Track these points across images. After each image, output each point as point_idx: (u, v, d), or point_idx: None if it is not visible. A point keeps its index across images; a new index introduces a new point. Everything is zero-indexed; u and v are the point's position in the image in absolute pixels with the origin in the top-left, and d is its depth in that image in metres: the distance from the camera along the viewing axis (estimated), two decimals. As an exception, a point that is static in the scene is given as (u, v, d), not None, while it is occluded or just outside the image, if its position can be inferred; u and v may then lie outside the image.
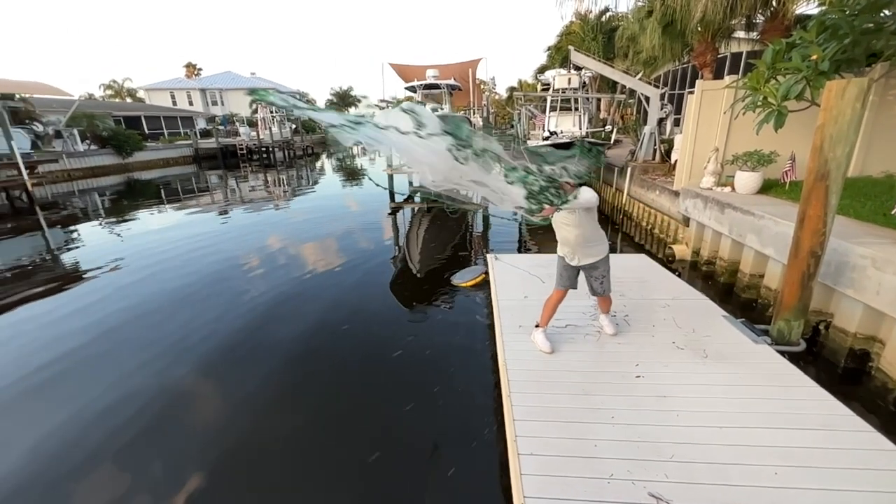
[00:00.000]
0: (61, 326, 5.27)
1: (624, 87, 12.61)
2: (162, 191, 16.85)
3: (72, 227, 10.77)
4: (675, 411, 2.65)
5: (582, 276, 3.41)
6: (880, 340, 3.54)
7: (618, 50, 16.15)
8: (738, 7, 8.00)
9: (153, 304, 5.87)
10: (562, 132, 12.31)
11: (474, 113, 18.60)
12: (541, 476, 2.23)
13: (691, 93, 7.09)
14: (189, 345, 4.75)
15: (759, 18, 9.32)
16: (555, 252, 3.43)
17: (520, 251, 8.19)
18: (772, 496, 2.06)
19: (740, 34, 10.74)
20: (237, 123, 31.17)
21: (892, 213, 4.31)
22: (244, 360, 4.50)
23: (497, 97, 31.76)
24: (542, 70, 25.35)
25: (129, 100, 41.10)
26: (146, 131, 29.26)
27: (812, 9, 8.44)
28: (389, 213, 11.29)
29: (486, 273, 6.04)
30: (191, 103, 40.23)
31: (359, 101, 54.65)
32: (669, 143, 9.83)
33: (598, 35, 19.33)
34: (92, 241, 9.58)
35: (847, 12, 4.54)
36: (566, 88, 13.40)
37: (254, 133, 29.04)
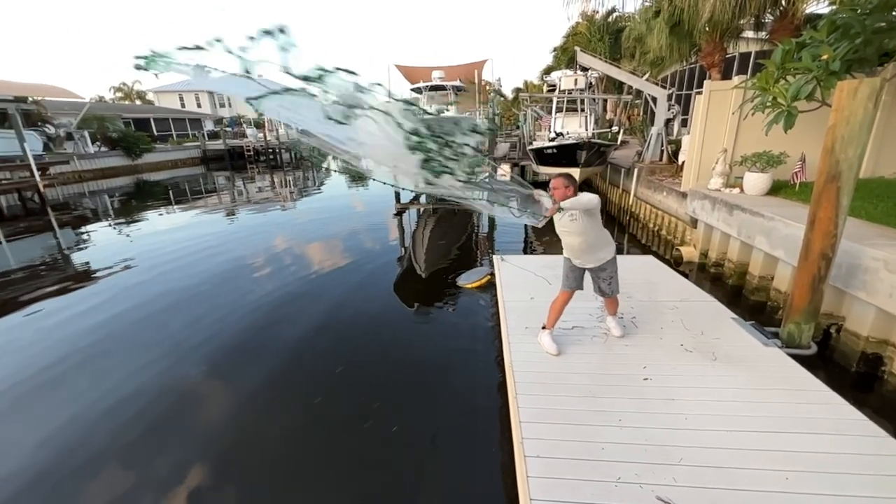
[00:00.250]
0: (71, 325, 5.34)
1: (630, 87, 12.55)
2: (170, 192, 17.03)
3: (82, 228, 10.92)
4: (684, 414, 2.63)
5: (588, 277, 3.40)
6: (893, 344, 3.49)
7: (624, 50, 16.08)
8: (746, 7, 7.93)
9: (161, 303, 5.93)
10: (568, 133, 12.26)
11: (479, 114, 18.60)
12: (547, 479, 2.21)
13: (699, 93, 7.04)
14: (195, 344, 4.80)
15: (768, 18, 9.23)
16: (561, 253, 3.41)
17: (526, 252, 8.18)
18: (782, 501, 2.03)
19: (749, 34, 10.64)
20: (244, 125, 31.44)
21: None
22: (249, 359, 4.54)
23: (502, 98, 31.72)
24: (547, 71, 25.32)
25: (138, 102, 41.62)
26: (155, 133, 29.60)
27: (822, 8, 8.34)
28: (395, 215, 11.32)
29: (492, 274, 6.02)
30: (199, 105, 40.62)
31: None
32: (677, 144, 9.76)
33: (605, 36, 19.25)
34: (102, 241, 9.70)
35: (858, 11, 4.47)
36: (572, 89, 13.36)
37: (261, 135, 29.27)
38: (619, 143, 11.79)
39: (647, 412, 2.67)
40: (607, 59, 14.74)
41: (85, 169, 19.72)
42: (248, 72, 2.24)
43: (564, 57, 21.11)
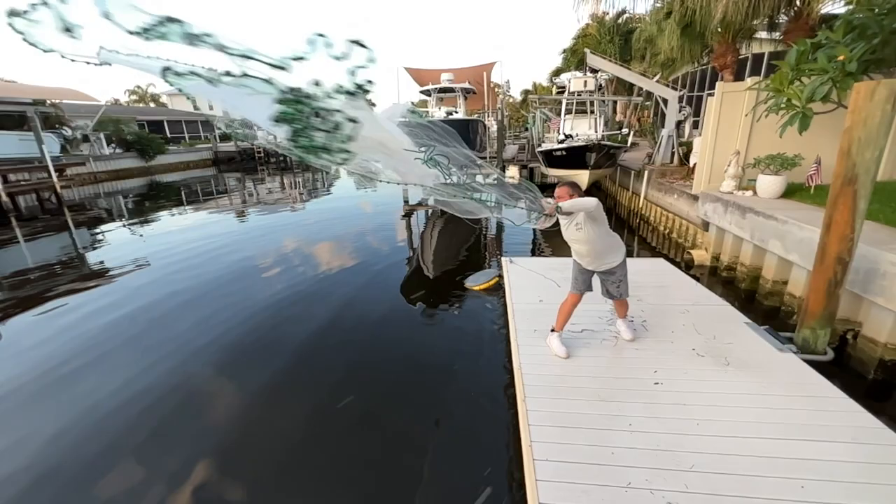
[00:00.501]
0: (86, 322, 5.45)
1: (641, 89, 12.45)
2: (182, 193, 17.29)
3: (97, 228, 11.13)
4: (696, 420, 2.59)
5: (597, 279, 3.37)
6: (913, 351, 3.40)
7: (635, 52, 15.99)
8: (760, 7, 7.83)
9: (172, 302, 6.02)
10: (577, 135, 12.21)
11: (488, 116, 18.61)
12: (556, 482, 2.20)
13: (711, 95, 6.96)
14: (205, 342, 4.86)
15: (782, 18, 9.11)
16: (569, 255, 3.40)
17: (534, 254, 8.15)
18: (798, 510, 1.99)
19: (762, 35, 10.53)
20: (255, 127, 31.75)
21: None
22: (257, 357, 4.59)
23: (511, 100, 31.70)
24: (557, 73, 25.24)
25: (152, 104, 42.37)
26: (168, 135, 30.09)
27: (838, 8, 8.22)
28: (403, 216, 11.36)
29: (500, 276, 6.01)
30: (211, 108, 41.14)
31: (373, 104, 55.19)
32: (688, 146, 9.66)
33: (615, 37, 19.16)
34: (116, 241, 9.88)
35: (876, 11, 4.40)
36: (582, 91, 13.29)
37: (271, 136, 29.57)
38: (629, 145, 11.71)
39: (657, 417, 2.64)
40: (617, 60, 14.66)
41: (100, 170, 20.13)
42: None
43: (574, 59, 21.04)
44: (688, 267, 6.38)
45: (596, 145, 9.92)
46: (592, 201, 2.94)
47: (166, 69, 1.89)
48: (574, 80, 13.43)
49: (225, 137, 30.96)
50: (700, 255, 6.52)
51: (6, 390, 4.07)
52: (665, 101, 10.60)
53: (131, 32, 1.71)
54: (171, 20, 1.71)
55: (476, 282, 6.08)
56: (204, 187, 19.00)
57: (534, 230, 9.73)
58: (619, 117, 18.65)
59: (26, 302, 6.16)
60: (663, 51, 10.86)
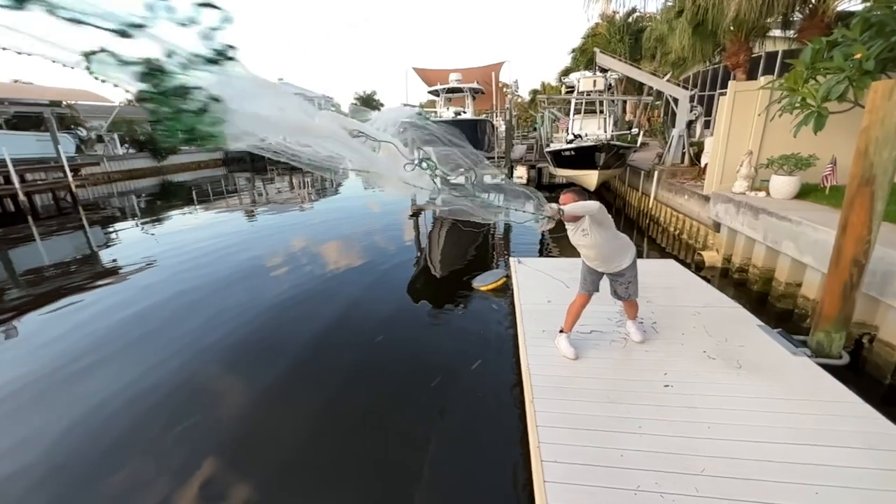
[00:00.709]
0: (98, 320, 5.55)
1: (651, 88, 12.33)
2: (193, 193, 17.52)
3: (111, 227, 11.33)
4: (707, 423, 2.56)
5: (606, 279, 3.35)
6: (932, 356, 3.33)
7: (645, 51, 15.84)
8: (774, 5, 7.71)
9: (182, 300, 6.11)
10: (586, 135, 12.13)
11: (496, 116, 18.58)
12: (565, 484, 2.19)
13: (723, 94, 6.87)
14: (213, 340, 4.92)
15: (797, 16, 8.95)
16: (578, 256, 3.38)
17: (542, 255, 8.11)
18: (812, 516, 1.96)
19: (776, 33, 10.33)
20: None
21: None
22: (264, 356, 4.63)
23: (520, 100, 31.61)
24: (566, 72, 25.07)
25: (164, 105, 42.92)
26: (180, 135, 30.44)
27: (855, 5, 8.05)
28: (411, 216, 11.38)
29: (507, 277, 6.00)
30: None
31: (382, 105, 55.62)
32: (699, 146, 9.54)
33: (625, 36, 19.00)
34: (128, 240, 10.04)
35: (894, 8, 4.30)
36: (591, 91, 13.19)
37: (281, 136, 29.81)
38: (638, 145, 11.60)
39: (667, 420, 2.61)
40: (627, 59, 14.53)
41: (114, 170, 20.47)
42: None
43: (583, 58, 20.90)
44: (698, 268, 6.31)
45: (605, 145, 9.85)
46: (594, 204, 2.92)
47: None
48: (583, 80, 13.34)
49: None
50: (711, 257, 6.44)
51: (21, 385, 4.16)
52: (676, 101, 10.48)
53: None
54: None
55: (483, 282, 6.07)
56: (214, 187, 19.23)
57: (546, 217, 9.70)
58: (628, 117, 18.49)
59: (41, 299, 6.29)
60: (674, 50, 10.74)
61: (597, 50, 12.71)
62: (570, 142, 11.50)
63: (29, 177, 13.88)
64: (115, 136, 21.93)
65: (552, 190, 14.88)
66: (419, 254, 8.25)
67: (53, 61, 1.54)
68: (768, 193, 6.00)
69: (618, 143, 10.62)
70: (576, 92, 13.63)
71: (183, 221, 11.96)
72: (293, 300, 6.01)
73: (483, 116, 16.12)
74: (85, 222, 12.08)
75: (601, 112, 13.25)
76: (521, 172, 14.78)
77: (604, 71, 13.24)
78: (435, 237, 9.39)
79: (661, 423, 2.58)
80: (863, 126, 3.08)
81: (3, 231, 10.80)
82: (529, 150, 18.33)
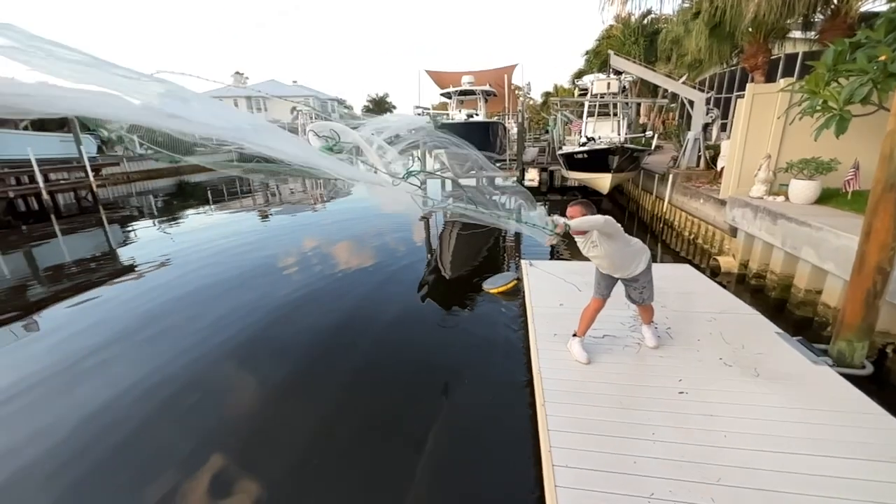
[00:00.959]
0: (114, 316, 5.69)
1: (666, 91, 12.18)
2: (209, 193, 17.83)
3: (129, 226, 11.60)
4: (723, 432, 2.51)
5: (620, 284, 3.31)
6: (960, 367, 3.21)
7: (660, 53, 15.67)
8: (795, 6, 7.56)
9: (196, 297, 6.25)
10: (600, 138, 12.03)
11: (508, 119, 18.53)
12: (576, 489, 2.17)
13: (740, 97, 6.75)
14: (226, 337, 5.00)
15: (818, 17, 8.77)
16: (590, 259, 3.35)
17: (553, 257, 8.05)
18: (833, 530, 1.90)
19: (796, 34, 10.16)
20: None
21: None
22: (274, 353, 4.69)
23: (532, 102, 31.50)
24: (579, 75, 24.93)
25: (182, 107, 43.84)
26: (197, 136, 31.06)
27: (880, 6, 7.85)
28: (421, 218, 11.42)
29: (518, 279, 5.97)
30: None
31: (394, 107, 55.97)
32: (715, 150, 9.39)
33: (640, 38, 18.82)
34: (146, 238, 10.27)
35: (922, 9, 4.18)
36: (605, 93, 13.08)
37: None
38: (652, 148, 11.46)
39: (682, 427, 2.56)
40: (642, 62, 14.39)
41: (133, 170, 20.95)
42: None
43: (597, 60, 20.77)
44: (714, 273, 6.19)
45: (619, 148, 9.76)
46: (600, 219, 2.88)
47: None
48: (597, 83, 13.23)
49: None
50: (727, 262, 6.32)
51: (41, 378, 4.27)
52: (691, 104, 10.34)
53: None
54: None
55: (494, 284, 6.05)
56: (229, 187, 19.55)
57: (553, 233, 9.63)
58: (642, 120, 18.29)
59: (62, 294, 6.46)
60: (690, 52, 10.61)
61: (611, 52, 12.61)
62: (583, 144, 11.42)
63: (52, 176, 14.28)
64: (135, 136, 22.45)
65: (563, 193, 14.79)
66: (429, 255, 8.26)
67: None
68: (787, 198, 5.87)
69: (631, 146, 10.51)
70: (589, 94, 13.52)
71: (198, 221, 12.19)
72: (303, 299, 6.07)
73: (495, 119, 16.09)
74: (105, 221, 12.39)
75: (615, 115, 13.13)
76: (532, 175, 14.70)
77: (618, 73, 13.12)
78: (446, 239, 9.40)
79: (676, 431, 2.54)
80: (888, 129, 3.00)
81: (28, 228, 11.14)
82: (541, 152, 18.24)
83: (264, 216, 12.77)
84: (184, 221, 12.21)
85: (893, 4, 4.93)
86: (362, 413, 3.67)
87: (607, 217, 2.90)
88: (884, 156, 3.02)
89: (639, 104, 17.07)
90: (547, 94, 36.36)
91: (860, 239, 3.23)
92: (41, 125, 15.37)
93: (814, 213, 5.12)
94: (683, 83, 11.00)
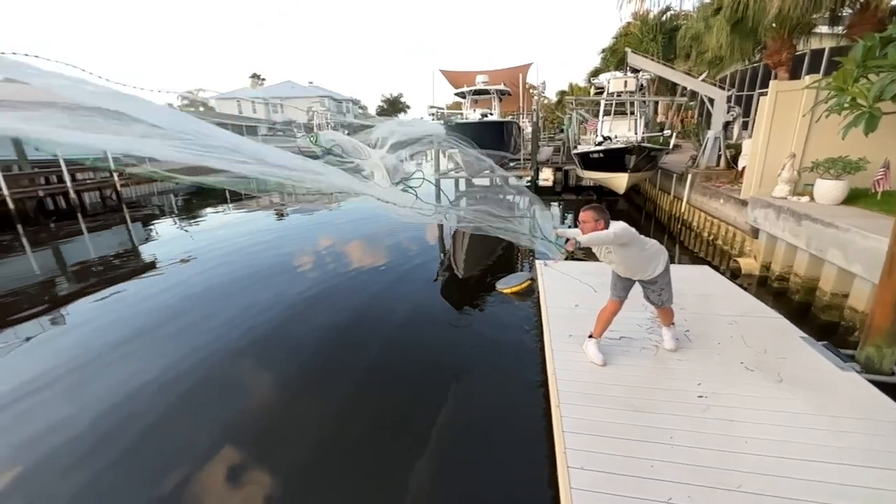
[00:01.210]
0: (136, 310, 5.88)
1: (685, 89, 11.93)
2: (227, 192, 18.17)
3: (151, 224, 11.92)
4: (744, 438, 2.44)
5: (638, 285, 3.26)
6: None
7: (679, 50, 15.36)
8: (822, 0, 7.32)
9: (213, 293, 6.43)
10: (616, 137, 11.86)
11: (523, 118, 18.42)
12: (592, 492, 2.14)
13: (763, 94, 6.57)
14: (240, 333, 5.14)
15: (846, 11, 8.47)
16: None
17: (569, 258, 7.97)
18: (861, 542, 1.84)
19: (822, 29, 9.83)
20: (295, 130, 33.02)
21: None
22: (286, 350, 4.80)
23: (546, 101, 31.23)
24: (595, 73, 24.62)
25: (201, 109, 44.87)
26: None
27: (913, -1, 7.55)
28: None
29: (532, 280, 5.93)
30: (254, 111, 43.19)
31: (408, 107, 56.19)
32: (736, 149, 9.16)
33: (658, 35, 18.47)
34: (166, 236, 10.55)
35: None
36: (622, 92, 12.88)
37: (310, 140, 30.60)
38: (671, 147, 11.24)
39: (701, 432, 2.51)
40: (660, 59, 14.12)
41: (155, 170, 21.49)
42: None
43: (614, 59, 20.47)
44: (734, 275, 6.04)
45: (636, 147, 9.60)
46: (609, 234, 2.81)
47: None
48: (614, 81, 13.04)
49: (266, 141, 32.38)
50: (748, 264, 6.16)
51: (67, 369, 4.44)
52: (711, 101, 10.10)
53: None
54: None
55: (507, 284, 6.03)
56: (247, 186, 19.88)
57: (570, 227, 9.54)
58: (660, 118, 17.97)
59: (87, 290, 6.69)
60: (711, 48, 10.37)
61: (628, 50, 12.42)
62: (600, 144, 11.26)
63: (79, 176, 14.76)
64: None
65: (578, 192, 14.63)
66: (442, 255, 8.27)
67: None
68: (812, 198, 5.69)
69: (649, 145, 10.33)
70: (605, 93, 13.34)
71: (217, 219, 12.46)
72: (317, 297, 6.16)
73: (509, 118, 16.01)
74: (128, 219, 12.76)
75: (632, 113, 12.91)
76: (547, 175, 14.58)
77: (635, 71, 12.91)
78: (459, 238, 9.39)
79: (695, 435, 2.48)
80: (923, 127, 2.87)
81: (56, 226, 11.55)
82: (556, 152, 18.06)
83: (280, 215, 12.97)
84: (203, 220, 12.49)
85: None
86: (373, 412, 3.70)
87: (619, 229, 2.81)
88: (917, 154, 2.90)
89: (656, 102, 16.77)
90: (562, 93, 36.01)
91: (890, 240, 3.10)
92: (69, 126, 15.85)
93: (841, 213, 4.95)
94: (703, 81, 10.76)
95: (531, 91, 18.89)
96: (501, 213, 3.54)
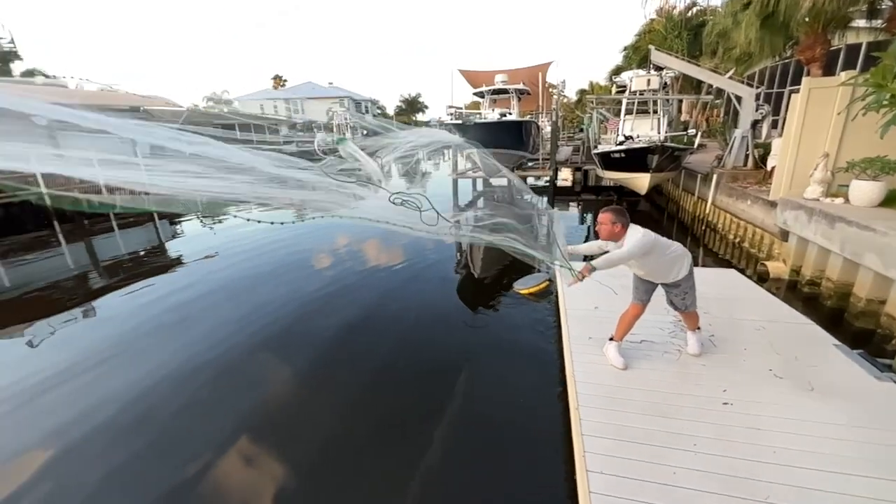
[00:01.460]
0: (163, 304, 6.07)
1: (710, 86, 11.57)
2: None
3: (177, 220, 12.30)
4: (772, 447, 2.36)
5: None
6: None
7: (705, 47, 14.93)
8: (859, -8, 6.99)
9: (234, 287, 6.67)
10: (638, 136, 11.60)
11: (542, 117, 18.24)
12: (612, 497, 2.10)
13: (794, 91, 6.33)
14: (260, 326, 5.29)
15: (886, 4, 8.07)
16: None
17: (587, 259, 7.85)
18: (900, 561, 1.75)
19: (860, 23, 9.37)
20: (315, 130, 33.56)
21: None
22: (302, 344, 4.90)
23: (566, 100, 30.84)
24: (616, 71, 24.16)
25: (225, 109, 46.06)
26: (238, 136, 32.58)
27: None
28: (453, 217, 11.42)
29: (550, 281, 5.86)
30: (276, 111, 44.10)
31: (426, 107, 56.36)
32: (765, 148, 8.85)
33: (683, 32, 17.99)
34: (191, 232, 10.88)
35: None
36: (644, 90, 12.58)
37: (329, 138, 31.08)
38: (695, 146, 10.93)
39: (726, 440, 2.43)
40: (685, 56, 13.75)
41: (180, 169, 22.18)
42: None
43: (636, 56, 20.04)
44: (761, 279, 5.84)
45: (658, 147, 9.38)
46: (624, 253, 2.73)
47: None
48: (636, 79, 12.74)
49: (288, 141, 33.04)
50: (777, 268, 5.94)
51: (95, 361, 4.62)
52: (739, 99, 9.77)
53: None
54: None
55: (525, 285, 5.97)
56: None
57: (588, 231, 9.43)
58: (684, 117, 17.51)
59: (117, 284, 6.97)
60: (739, 45, 10.02)
61: (652, 47, 12.13)
62: (621, 143, 11.05)
63: (110, 174, 15.39)
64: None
65: (598, 193, 14.38)
66: (459, 254, 8.26)
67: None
68: (847, 200, 5.44)
69: (673, 144, 10.07)
70: (627, 91, 13.06)
71: (239, 217, 12.74)
72: (332, 294, 6.27)
73: (528, 117, 15.87)
74: (156, 216, 13.19)
75: (655, 112, 12.62)
76: (566, 175, 14.39)
77: (658, 69, 12.60)
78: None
79: (720, 443, 2.41)
80: (972, 125, 2.72)
81: (89, 222, 12.03)
82: (575, 151, 17.82)
83: (301, 212, 13.18)
84: (225, 218, 12.81)
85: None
86: (384, 410, 3.72)
87: (634, 245, 2.71)
88: (965, 154, 2.74)
89: (680, 101, 16.34)
90: (582, 92, 35.49)
91: (935, 245, 2.95)
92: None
93: (878, 216, 4.72)
94: (730, 78, 10.42)
95: (550, 90, 18.68)
96: (514, 225, 3.51)
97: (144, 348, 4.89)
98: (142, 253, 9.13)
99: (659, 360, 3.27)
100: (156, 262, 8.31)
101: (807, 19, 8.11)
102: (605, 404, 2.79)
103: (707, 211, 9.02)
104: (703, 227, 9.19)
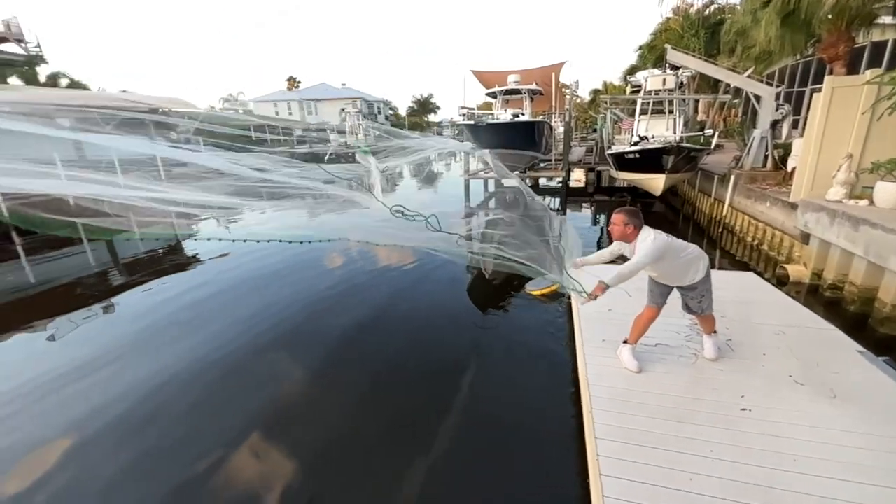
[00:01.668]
0: (177, 302, 6.21)
1: (728, 86, 11.34)
2: (262, 190, 18.89)
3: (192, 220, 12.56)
4: (792, 455, 2.29)
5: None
6: None
7: (723, 46, 14.62)
8: (886, -12, 6.77)
9: (246, 286, 6.81)
10: (653, 137, 11.43)
11: (555, 117, 18.10)
12: (625, 501, 2.07)
13: (816, 90, 6.16)
14: (271, 324, 5.36)
15: (915, 0, 7.79)
16: None
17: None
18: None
19: (886, 19, 9.08)
20: (328, 131, 33.89)
21: None
22: (311, 343, 4.95)
23: (579, 101, 30.56)
24: (631, 71, 23.84)
25: (240, 111, 46.83)
26: (253, 138, 33.10)
27: None
28: (464, 217, 11.41)
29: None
30: (290, 113, 44.68)
31: (438, 108, 56.48)
32: (785, 149, 8.63)
33: (700, 30, 17.66)
34: (205, 232, 11.07)
35: None
36: (660, 90, 12.39)
37: (342, 140, 31.33)
38: (712, 146, 10.73)
39: (744, 446, 2.38)
40: (702, 55, 13.50)
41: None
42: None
43: (651, 55, 19.74)
44: (781, 283, 5.69)
45: (674, 147, 9.23)
46: (635, 264, 2.67)
47: None
48: (651, 79, 12.56)
49: (301, 141, 33.46)
50: (797, 271, 5.79)
51: (112, 357, 4.74)
52: (758, 99, 9.57)
53: None
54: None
55: (537, 286, 5.91)
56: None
57: (601, 232, 9.32)
58: (701, 117, 17.20)
59: (135, 281, 7.14)
60: (758, 43, 9.77)
61: (668, 46, 11.96)
62: (636, 143, 10.90)
63: (130, 174, 15.79)
64: (200, 138, 24.27)
65: (611, 193, 14.22)
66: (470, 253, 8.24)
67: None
68: (871, 202, 5.28)
69: (688, 144, 9.90)
70: (643, 91, 12.88)
71: (252, 217, 12.93)
72: (342, 294, 6.33)
73: (540, 118, 15.76)
74: (173, 215, 13.48)
75: (670, 112, 12.42)
76: (579, 175, 14.26)
77: (674, 68, 12.40)
78: (487, 237, 9.33)
79: (738, 450, 2.35)
80: None
81: (109, 221, 12.36)
82: (588, 152, 17.65)
83: (313, 213, 13.33)
84: (239, 216, 13.02)
85: None
86: (393, 410, 3.72)
87: (645, 255, 2.65)
88: None
89: (697, 101, 16.05)
90: (596, 92, 35.14)
91: (966, 249, 2.84)
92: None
93: (905, 219, 4.56)
94: (749, 77, 10.21)
95: (564, 90, 18.54)
96: (528, 237, 3.50)
97: (161, 344, 5.01)
98: (159, 251, 9.36)
99: (674, 364, 3.21)
100: (172, 261, 8.51)
101: (830, 16, 7.87)
102: (619, 408, 2.75)
103: (724, 212, 8.84)
104: (720, 229, 9.01)
